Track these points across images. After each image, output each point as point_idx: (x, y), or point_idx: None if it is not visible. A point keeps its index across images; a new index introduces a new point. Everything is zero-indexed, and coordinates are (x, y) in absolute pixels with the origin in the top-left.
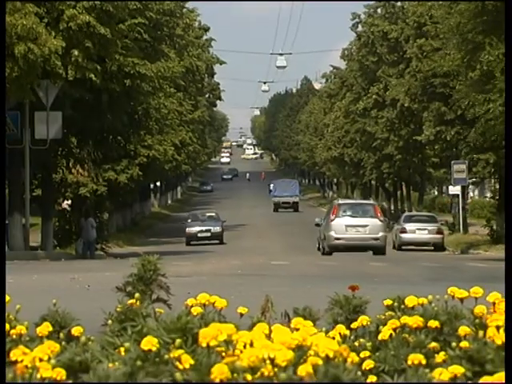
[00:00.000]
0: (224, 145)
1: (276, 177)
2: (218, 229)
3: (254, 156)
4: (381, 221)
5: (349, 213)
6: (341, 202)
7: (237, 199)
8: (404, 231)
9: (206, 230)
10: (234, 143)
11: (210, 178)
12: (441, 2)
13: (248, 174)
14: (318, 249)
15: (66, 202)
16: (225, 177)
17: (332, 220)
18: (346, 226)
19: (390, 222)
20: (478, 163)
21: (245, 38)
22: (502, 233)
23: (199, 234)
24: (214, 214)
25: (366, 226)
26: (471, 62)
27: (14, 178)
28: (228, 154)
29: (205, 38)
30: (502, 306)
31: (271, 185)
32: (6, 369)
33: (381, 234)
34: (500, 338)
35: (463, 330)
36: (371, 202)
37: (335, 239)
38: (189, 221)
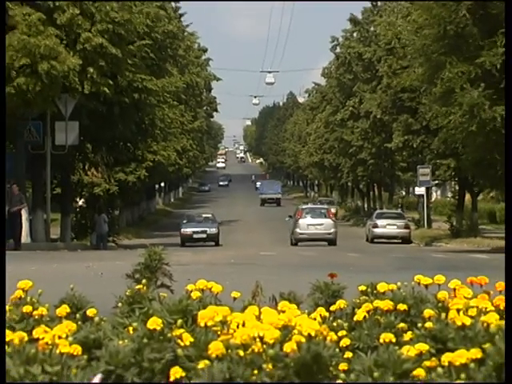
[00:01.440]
0: (220, 152)
1: (265, 178)
2: (213, 230)
3: (241, 159)
4: (333, 220)
5: (309, 215)
6: (304, 207)
7: (231, 198)
8: (376, 226)
9: (202, 232)
10: (229, 149)
11: (208, 180)
12: (409, 28)
13: (254, 176)
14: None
15: (81, 199)
16: (221, 183)
17: (297, 220)
18: (307, 224)
19: (363, 219)
20: (440, 167)
21: (238, 57)
22: (460, 228)
23: (194, 236)
24: (210, 215)
25: (321, 224)
26: (434, 79)
27: (36, 179)
28: (223, 160)
29: (203, 57)
30: (461, 292)
31: (258, 183)
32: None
33: (332, 230)
34: (460, 320)
35: (428, 312)
36: (325, 206)
37: (300, 234)
38: (184, 221)
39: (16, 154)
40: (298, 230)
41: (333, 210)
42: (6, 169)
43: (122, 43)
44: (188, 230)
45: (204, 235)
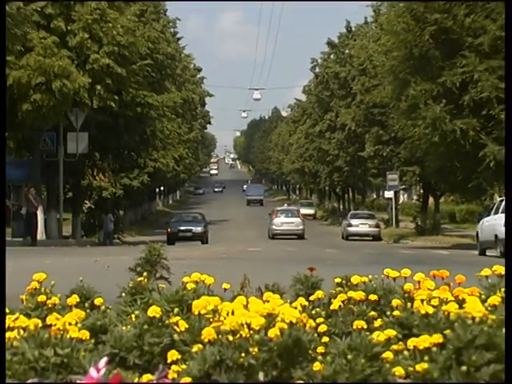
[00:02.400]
0: (212, 160)
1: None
2: (199, 229)
3: (231, 165)
4: (301, 219)
5: (283, 215)
6: (278, 208)
7: (223, 201)
8: (350, 225)
9: (187, 230)
10: (221, 157)
11: (202, 185)
12: (379, 50)
13: (251, 181)
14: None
15: (90, 201)
16: (216, 190)
17: (273, 219)
18: (281, 222)
19: (339, 218)
20: (407, 174)
21: (229, 76)
22: (424, 227)
23: (180, 234)
24: (198, 215)
25: (292, 222)
26: (401, 96)
27: (50, 183)
28: (216, 167)
29: (198, 76)
30: (425, 284)
31: (245, 186)
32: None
33: (301, 226)
34: (423, 309)
35: (395, 302)
36: (296, 208)
37: (275, 230)
38: (172, 220)
39: (32, 162)
40: (273, 227)
41: (312, 211)
42: (21, 174)
43: (126, 63)
44: (174, 229)
45: (190, 234)
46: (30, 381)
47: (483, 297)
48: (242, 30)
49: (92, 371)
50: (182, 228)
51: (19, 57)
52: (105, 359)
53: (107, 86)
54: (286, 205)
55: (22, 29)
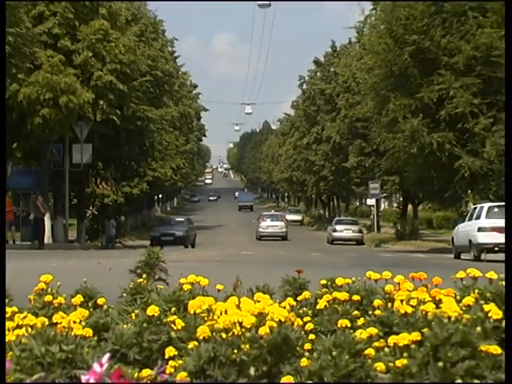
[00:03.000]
0: (207, 170)
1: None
2: (181, 233)
3: (224, 174)
4: (285, 223)
5: (269, 219)
6: (265, 213)
7: (216, 207)
8: (335, 230)
9: (170, 234)
10: (215, 168)
11: (197, 193)
12: (362, 68)
13: (246, 189)
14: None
15: (94, 208)
16: (211, 198)
17: (260, 223)
18: (267, 225)
19: (325, 224)
20: (388, 183)
21: (222, 92)
22: (404, 232)
23: (162, 238)
24: (183, 219)
25: (277, 225)
26: (382, 111)
27: (57, 191)
28: (210, 176)
29: (194, 92)
30: (404, 285)
31: (236, 193)
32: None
33: (284, 229)
34: (403, 308)
35: (377, 302)
36: (280, 213)
37: (261, 232)
38: (157, 225)
39: (40, 171)
40: (260, 230)
41: (299, 218)
42: (30, 182)
43: (127, 80)
44: (157, 233)
45: (171, 238)
46: (36, 375)
47: (458, 297)
48: (233, 51)
49: (95, 366)
50: (165, 232)
51: (28, 74)
52: (107, 355)
53: (110, 101)
54: (272, 211)
55: (31, 48)
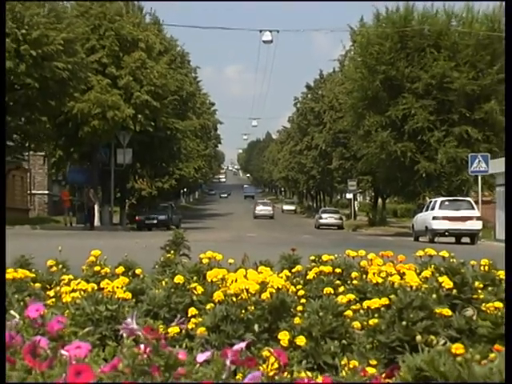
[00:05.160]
0: (221, 170)
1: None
2: (162, 217)
3: (234, 173)
4: (272, 207)
5: (261, 205)
6: (259, 201)
7: (227, 200)
8: (321, 218)
9: (153, 218)
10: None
11: (214, 187)
12: (343, 91)
13: (251, 185)
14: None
15: (133, 199)
16: (222, 195)
17: (256, 207)
18: (260, 209)
19: (313, 213)
20: (363, 181)
21: (234, 108)
22: (375, 220)
23: (146, 221)
24: (166, 205)
25: (266, 209)
26: (358, 125)
27: (104, 185)
28: (224, 176)
29: (212, 109)
30: (376, 261)
31: (245, 185)
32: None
33: (272, 212)
34: (375, 279)
35: (354, 274)
36: (269, 201)
37: (256, 214)
38: (143, 209)
39: (92, 169)
40: (256, 212)
41: (293, 208)
42: (83, 178)
43: (160, 99)
44: (142, 217)
45: (155, 221)
46: (87, 329)
47: (418, 271)
48: (242, 77)
49: (129, 321)
50: (148, 216)
51: (82, 94)
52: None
53: (146, 116)
54: (264, 199)
55: (85, 73)
